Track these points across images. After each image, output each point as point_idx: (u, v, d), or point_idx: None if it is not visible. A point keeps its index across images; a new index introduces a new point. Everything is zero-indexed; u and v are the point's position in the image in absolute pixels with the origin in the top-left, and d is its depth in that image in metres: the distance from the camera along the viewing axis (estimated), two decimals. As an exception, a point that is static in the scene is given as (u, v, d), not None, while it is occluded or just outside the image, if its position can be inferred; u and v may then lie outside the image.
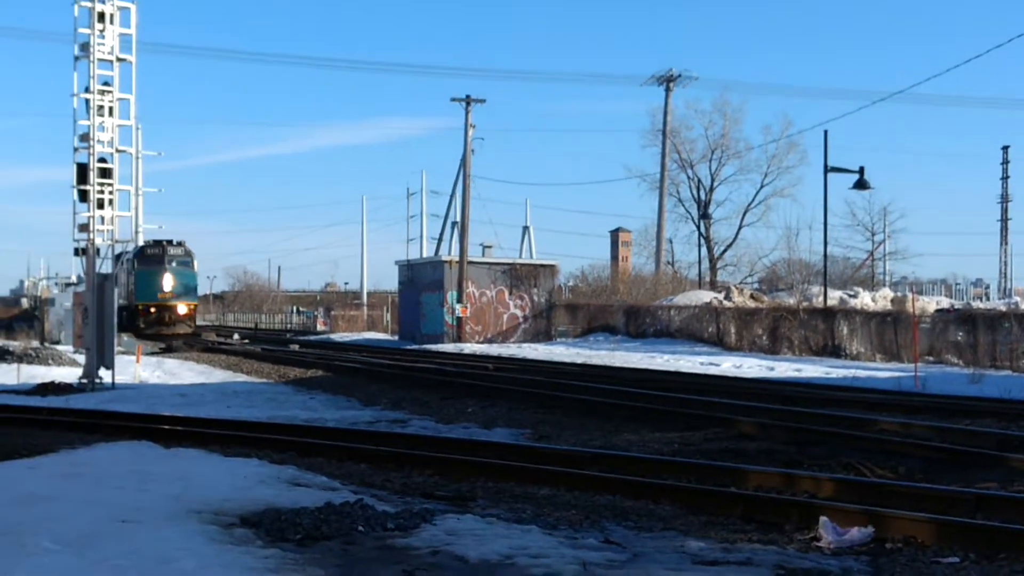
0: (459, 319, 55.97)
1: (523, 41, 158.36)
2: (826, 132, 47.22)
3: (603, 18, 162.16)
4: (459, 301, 55.99)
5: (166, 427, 17.90)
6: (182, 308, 60.49)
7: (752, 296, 57.02)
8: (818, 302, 47.70)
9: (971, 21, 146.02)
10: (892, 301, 50.43)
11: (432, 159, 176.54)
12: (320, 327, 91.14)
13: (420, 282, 59.93)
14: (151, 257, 60.15)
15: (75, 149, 28.57)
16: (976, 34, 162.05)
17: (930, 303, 49.32)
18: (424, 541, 8.98)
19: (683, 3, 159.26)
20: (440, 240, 73.61)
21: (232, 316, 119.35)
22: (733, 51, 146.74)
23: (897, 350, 39.49)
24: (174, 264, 60.02)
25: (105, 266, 29.18)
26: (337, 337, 71.17)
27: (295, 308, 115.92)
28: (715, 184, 77.23)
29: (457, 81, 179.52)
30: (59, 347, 46.03)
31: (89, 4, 27.81)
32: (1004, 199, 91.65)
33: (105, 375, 28.62)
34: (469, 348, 49.83)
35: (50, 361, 37.53)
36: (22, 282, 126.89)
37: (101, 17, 27.89)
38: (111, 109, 28.34)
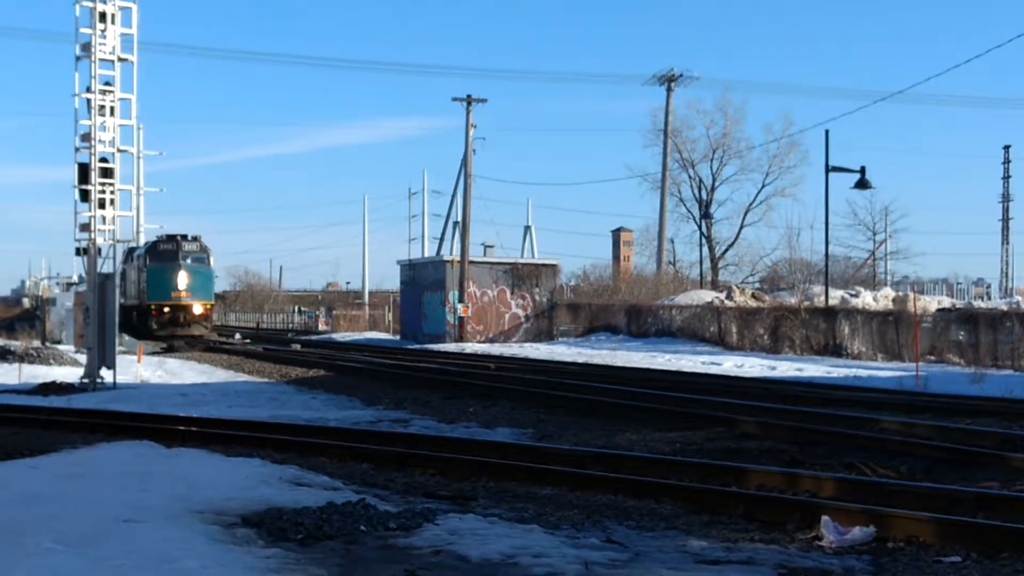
0: (461, 319, 55.93)
1: (525, 41, 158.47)
2: (827, 131, 47.27)
3: (604, 18, 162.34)
4: (461, 301, 55.95)
5: (168, 427, 17.87)
6: (198, 308, 56.46)
7: (753, 296, 57.06)
8: (819, 301, 47.69)
9: (972, 20, 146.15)
10: (893, 300, 50.45)
11: (434, 159, 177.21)
12: (322, 327, 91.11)
13: (422, 282, 59.89)
14: (164, 253, 56.25)
15: (76, 149, 28.59)
16: (977, 33, 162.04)
17: (931, 302, 49.37)
18: (426, 541, 8.99)
19: (684, 3, 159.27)
20: (442, 240, 73.78)
21: (233, 316, 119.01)
22: (735, 50, 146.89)
23: (899, 350, 39.48)
24: (189, 260, 56.19)
25: (107, 266, 29.19)
26: (339, 337, 71.04)
27: (297, 308, 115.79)
28: (716, 184, 77.37)
29: (458, 81, 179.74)
30: (60, 347, 46.08)
31: (90, 4, 27.80)
32: (1005, 198, 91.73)
33: (107, 375, 28.62)
34: (471, 348, 49.80)
35: (51, 361, 37.53)
36: (23, 282, 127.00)
37: (103, 17, 27.89)
38: (112, 109, 28.34)
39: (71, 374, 31.41)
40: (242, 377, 33.60)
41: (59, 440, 16.23)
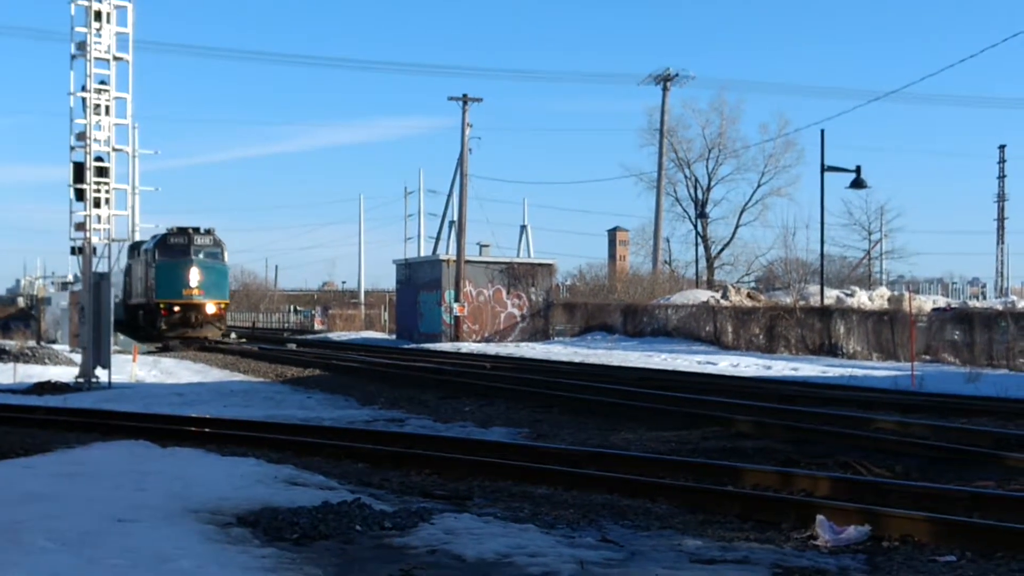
0: (456, 318, 55.93)
1: (520, 40, 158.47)
2: (823, 131, 47.46)
3: (600, 17, 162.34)
4: (456, 300, 55.95)
5: (163, 426, 17.85)
6: (211, 307, 52.74)
7: (749, 295, 57.13)
8: (815, 301, 47.76)
9: (967, 20, 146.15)
10: (889, 300, 50.53)
11: (430, 158, 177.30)
12: (318, 326, 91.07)
13: (418, 281, 59.88)
14: (175, 247, 52.21)
15: (72, 148, 28.57)
16: (972, 33, 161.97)
17: (927, 302, 49.40)
18: (422, 540, 9.00)
19: (681, 2, 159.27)
20: (438, 239, 73.54)
21: (229, 315, 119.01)
22: (730, 50, 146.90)
23: (894, 349, 39.53)
24: (202, 255, 52.35)
25: (102, 265, 29.17)
26: (335, 336, 70.98)
27: (292, 307, 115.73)
28: (712, 183, 77.42)
29: (454, 80, 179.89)
30: (56, 346, 46.05)
31: (86, 3, 27.74)
32: (1000, 198, 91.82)
33: (102, 374, 28.64)
34: (466, 347, 49.80)
35: (47, 360, 37.47)
36: (18, 281, 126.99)
37: (98, 16, 27.85)
38: (108, 108, 28.33)
39: (66, 373, 31.35)
40: (238, 377, 33.60)
41: (54, 439, 16.24)
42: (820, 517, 10.01)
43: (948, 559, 9.01)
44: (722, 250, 77.47)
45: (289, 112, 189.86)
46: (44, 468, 12.15)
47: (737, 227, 77.56)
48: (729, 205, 78.29)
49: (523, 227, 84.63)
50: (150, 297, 52.71)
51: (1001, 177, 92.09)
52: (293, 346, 52.49)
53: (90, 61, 28.03)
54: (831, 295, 49.84)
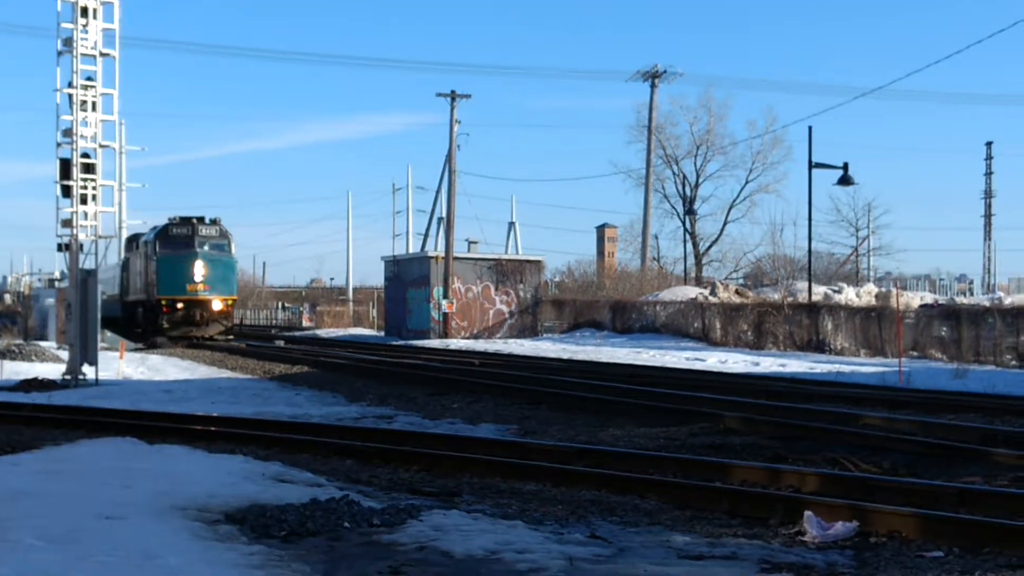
0: (445, 315, 55.91)
1: (509, 36, 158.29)
2: (810, 128, 47.53)
3: (588, 14, 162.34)
4: (445, 297, 55.93)
5: (150, 423, 17.81)
6: (217, 303, 49.63)
7: (737, 292, 57.18)
8: (803, 297, 47.84)
9: (953, 16, 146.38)
10: (876, 296, 50.56)
11: (418, 155, 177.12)
12: (306, 323, 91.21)
13: (406, 278, 59.83)
14: (177, 239, 48.93)
15: (58, 144, 28.54)
16: (958, 29, 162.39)
17: (914, 298, 49.51)
18: (410, 537, 9.00)
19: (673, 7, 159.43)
20: (426, 236, 73.64)
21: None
22: (719, 47, 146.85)
23: (881, 345, 39.60)
24: (207, 247, 49.14)
25: (89, 262, 29.16)
26: (323, 333, 70.86)
27: (280, 304, 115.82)
28: (700, 180, 77.64)
29: (442, 76, 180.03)
30: (43, 343, 45.87)
31: None
32: (988, 195, 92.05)
33: (89, 371, 28.57)
34: (455, 344, 49.80)
35: (33, 357, 37.43)
36: (5, 278, 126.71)
37: (84, 12, 27.91)
38: (94, 104, 28.36)
39: (53, 371, 31.32)
40: (225, 373, 33.59)
41: (41, 437, 16.21)
42: (808, 513, 10.03)
43: (935, 555, 9.03)
44: (710, 247, 77.81)
45: (276, 108, 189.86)
46: (30, 465, 12.13)
47: (725, 224, 77.99)
48: (717, 202, 78.76)
49: (511, 224, 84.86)
50: (151, 293, 49.73)
51: (988, 174, 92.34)
52: (281, 343, 52.13)
53: (76, 57, 28.08)
54: (819, 292, 49.93)
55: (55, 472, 11.49)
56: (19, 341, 44.92)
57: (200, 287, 48.48)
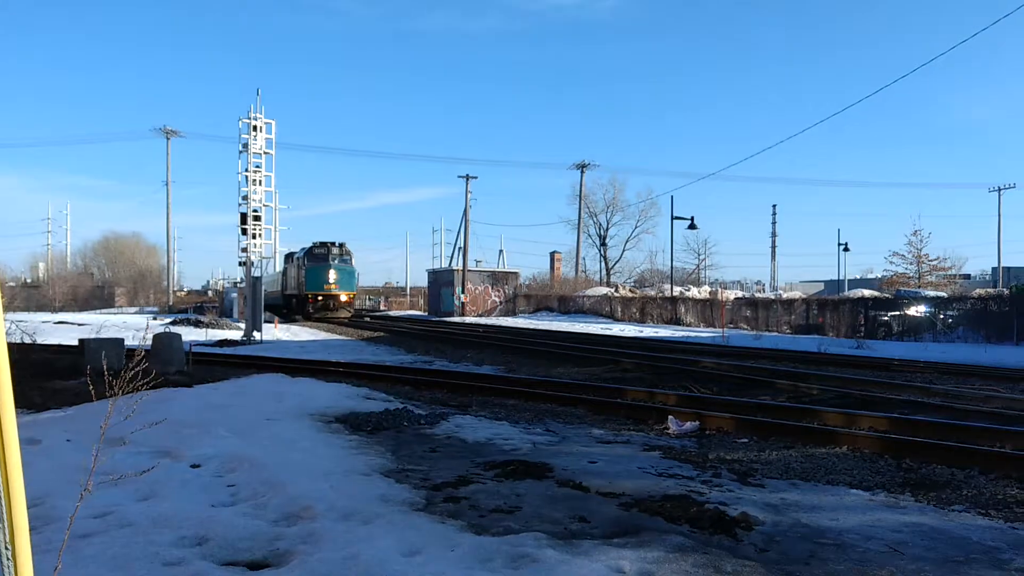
0: (463, 303, 55.91)
1: (499, 140, 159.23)
2: (672, 196, 48.26)
3: (544, 131, 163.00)
4: (463, 292, 56.02)
5: (292, 366, 17.82)
6: (343, 296, 48.63)
7: (630, 290, 57.30)
8: (668, 293, 47.94)
9: (758, 126, 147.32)
10: (710, 293, 50.79)
11: (447, 211, 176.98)
12: (382, 308, 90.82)
13: (440, 281, 59.62)
14: (318, 255, 48.43)
15: (239, 204, 28.92)
16: (762, 136, 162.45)
17: (731, 294, 49.71)
18: (442, 430, 9.02)
19: (592, 121, 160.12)
20: (452, 257, 73.03)
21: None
22: (620, 147, 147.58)
23: (713, 321, 39.73)
24: (336, 261, 48.51)
25: (256, 271, 29.28)
26: (392, 313, 70.62)
27: (367, 296, 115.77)
28: (609, 226, 77.43)
29: (461, 165, 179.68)
30: (229, 319, 45.93)
31: (248, 120, 28.37)
32: (773, 234, 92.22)
33: (256, 335, 28.55)
34: (469, 320, 49.66)
35: (224, 327, 37.45)
36: (208, 281, 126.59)
37: (255, 128, 28.41)
38: (260, 181, 28.70)
39: (235, 334, 31.37)
40: (335, 336, 33.44)
41: (229, 372, 16.19)
42: (671, 417, 10.08)
43: (743, 440, 9.08)
44: (615, 264, 77.70)
45: (366, 184, 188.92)
46: (223, 389, 12.11)
47: (624, 251, 77.90)
48: (619, 238, 78.90)
49: (500, 250, 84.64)
50: (301, 290, 48.71)
51: (773, 223, 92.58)
52: (368, 319, 52.02)
53: (250, 154, 28.57)
54: (677, 290, 49.99)
55: (238, 393, 11.48)
56: (216, 318, 44.87)
57: (333, 286, 47.62)
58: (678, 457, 7.91)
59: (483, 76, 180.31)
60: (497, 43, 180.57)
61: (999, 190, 67.16)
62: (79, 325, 37.21)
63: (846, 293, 49.28)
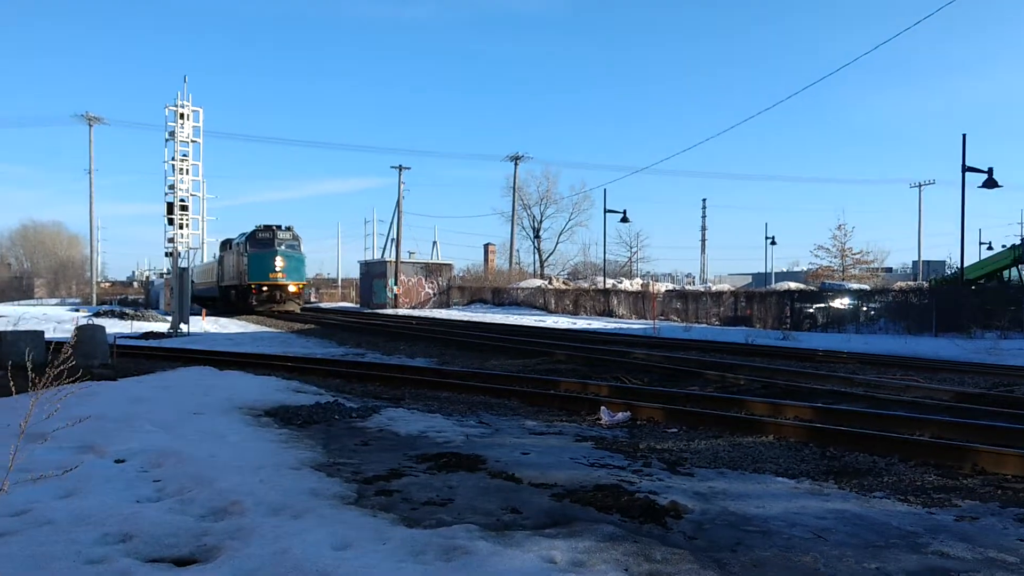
0: (395, 295, 55.56)
1: (433, 130, 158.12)
2: (605, 190, 48.78)
3: (479, 123, 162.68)
4: (395, 284, 55.64)
5: (220, 358, 17.52)
6: (292, 287, 44.48)
7: (564, 282, 57.61)
8: (600, 285, 48.36)
9: (690, 123, 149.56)
10: (641, 285, 51.33)
11: (380, 200, 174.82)
12: (313, 299, 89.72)
13: (373, 273, 59.12)
14: (262, 240, 43.83)
15: (166, 193, 28.32)
16: (692, 132, 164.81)
17: (662, 287, 50.29)
18: (374, 423, 8.95)
19: (527, 114, 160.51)
20: (385, 248, 72.55)
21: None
22: (553, 140, 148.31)
23: (644, 312, 40.18)
24: (283, 247, 44.06)
25: (183, 262, 28.79)
26: (323, 305, 69.70)
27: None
28: (543, 218, 77.73)
29: (395, 156, 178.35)
30: (155, 311, 44.88)
31: (174, 108, 27.89)
32: (703, 228, 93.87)
33: (183, 327, 28.05)
34: (402, 312, 49.39)
35: (150, 319, 36.61)
36: (134, 272, 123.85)
37: (182, 116, 27.90)
38: (187, 170, 28.18)
39: (161, 327, 30.81)
40: (264, 328, 32.95)
41: (155, 365, 15.84)
42: (603, 407, 10.17)
43: (673, 430, 9.21)
44: (548, 256, 77.96)
45: (296, 174, 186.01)
46: (149, 382, 11.84)
47: (557, 243, 78.30)
48: (552, 231, 79.71)
49: (434, 242, 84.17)
50: (242, 279, 44.07)
51: (703, 216, 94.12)
52: (297, 311, 51.16)
53: (177, 142, 27.98)
54: (610, 282, 50.46)
55: (164, 387, 11.24)
56: (142, 310, 43.87)
57: (280, 275, 43.53)
58: (610, 447, 7.99)
59: (417, 65, 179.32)
60: (432, 32, 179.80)
61: (920, 186, 69.31)
62: (-4, 317, 35.99)
63: (773, 286, 50.40)
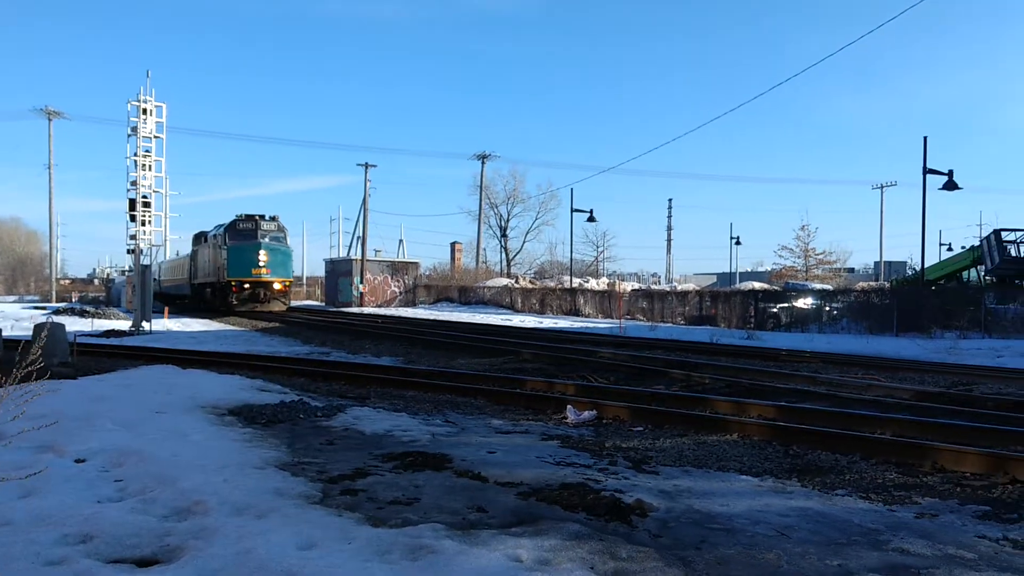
0: (361, 293, 55.29)
1: (399, 128, 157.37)
2: (572, 189, 49.19)
3: (446, 121, 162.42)
4: (361, 282, 55.38)
5: (183, 356, 17.34)
6: (277, 284, 39.84)
7: (531, 281, 57.73)
8: (567, 284, 48.49)
9: (657, 119, 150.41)
10: (608, 284, 51.65)
11: (345, 198, 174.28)
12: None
13: (338, 271, 58.82)
14: (244, 232, 39.19)
15: (128, 189, 27.92)
16: (659, 133, 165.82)
17: (628, 286, 50.63)
18: (339, 422, 8.91)
19: (494, 113, 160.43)
20: (351, 246, 72.14)
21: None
22: (521, 139, 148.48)
23: (610, 311, 40.36)
24: (268, 239, 39.48)
25: (145, 259, 28.46)
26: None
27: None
28: (510, 217, 77.65)
29: (361, 153, 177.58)
30: (117, 309, 44.28)
31: (137, 103, 27.55)
32: (669, 228, 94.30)
33: (145, 325, 27.73)
34: (368, 310, 49.16)
35: (111, 317, 36.16)
36: (95, 269, 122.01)
37: (145, 111, 27.62)
38: (150, 166, 27.85)
39: (123, 324, 30.46)
40: (228, 327, 32.63)
41: (117, 364, 15.64)
42: (569, 406, 10.20)
43: (638, 429, 9.26)
44: (515, 255, 78.00)
45: (262, 172, 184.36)
46: (111, 381, 11.69)
47: (524, 242, 78.25)
48: (519, 229, 79.63)
49: (400, 240, 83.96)
50: (220, 276, 39.41)
51: (669, 216, 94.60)
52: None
53: (139, 138, 27.65)
54: (576, 282, 50.63)
55: (125, 385, 11.10)
56: (103, 308, 43.28)
57: (264, 271, 39.03)
58: (576, 446, 8.02)
59: (385, 62, 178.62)
60: (401, 29, 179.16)
61: (882, 187, 70.37)
62: (-49, 314, 35.34)
63: (738, 285, 50.83)
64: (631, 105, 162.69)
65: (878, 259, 72.73)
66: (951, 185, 30.05)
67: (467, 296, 54.66)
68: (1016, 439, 8.29)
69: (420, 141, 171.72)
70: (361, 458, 7.01)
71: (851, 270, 78.65)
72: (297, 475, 6.23)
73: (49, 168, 64.27)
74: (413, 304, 56.88)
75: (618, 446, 8.15)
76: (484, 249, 74.80)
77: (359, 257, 57.03)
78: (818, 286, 40.85)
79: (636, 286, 53.51)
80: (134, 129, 27.67)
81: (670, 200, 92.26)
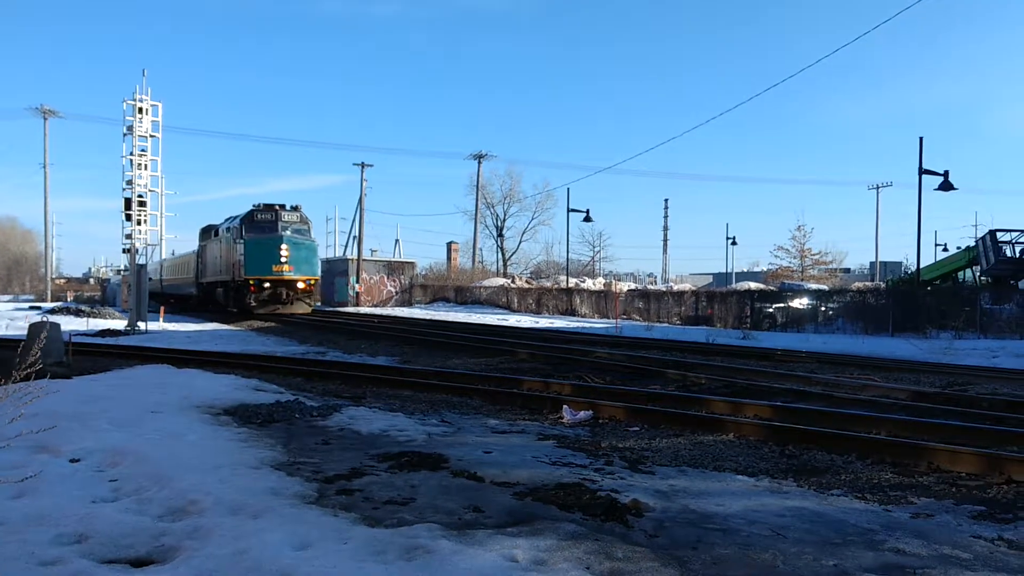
0: (357, 293, 55.26)
1: (396, 128, 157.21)
2: (568, 189, 49.23)
3: (443, 121, 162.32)
4: (357, 282, 55.35)
5: (178, 356, 17.29)
6: (301, 283, 35.10)
7: (527, 281, 57.77)
8: (563, 284, 48.50)
9: (654, 119, 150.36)
10: (604, 284, 51.68)
11: (341, 198, 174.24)
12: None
13: (334, 270, 58.73)
14: (262, 224, 34.30)
15: (123, 188, 28.14)
16: (657, 133, 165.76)
17: (624, 286, 50.72)
18: (335, 422, 8.90)
19: (493, 113, 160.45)
20: (347, 246, 72.26)
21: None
22: (517, 139, 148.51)
23: (607, 312, 40.33)
24: (289, 232, 34.54)
25: (141, 259, 28.42)
26: (284, 303, 69.36)
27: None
28: (506, 217, 77.73)
29: (357, 153, 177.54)
30: (113, 308, 44.23)
31: (133, 102, 27.62)
32: (665, 228, 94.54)
33: (141, 325, 27.70)
34: (364, 310, 49.04)
35: (107, 316, 36.12)
36: (90, 268, 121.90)
37: (140, 110, 27.70)
38: (145, 165, 28.01)
39: (119, 324, 30.36)
40: (223, 327, 32.53)
41: (112, 363, 15.62)
42: (565, 406, 10.19)
43: (635, 429, 9.26)
44: (512, 255, 78.10)
45: (258, 170, 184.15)
46: (107, 380, 11.68)
47: (520, 242, 78.37)
48: (516, 229, 79.48)
49: (397, 240, 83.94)
50: (237, 274, 34.84)
51: (665, 217, 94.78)
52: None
53: (135, 137, 27.80)
54: (573, 281, 50.65)
55: (121, 385, 11.09)
56: (99, 307, 43.21)
57: (286, 268, 34.33)
58: (572, 446, 8.02)
59: (381, 62, 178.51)
60: (397, 30, 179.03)
61: (877, 188, 70.42)
62: (-55, 314, 35.28)
63: (734, 285, 50.89)
64: (628, 105, 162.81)
65: (874, 259, 72.82)
66: (947, 186, 30.08)
67: (463, 296, 54.63)
68: (1011, 439, 8.30)
69: (416, 141, 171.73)
70: (357, 458, 7.00)
71: (847, 270, 78.76)
72: (292, 475, 6.22)
73: (44, 167, 64.18)
74: (409, 304, 56.83)
75: (614, 446, 8.15)
76: (480, 249, 74.85)
77: (355, 257, 57.00)
78: (814, 286, 40.90)
79: (632, 286, 53.56)
80: (130, 128, 27.69)
81: (666, 200, 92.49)
